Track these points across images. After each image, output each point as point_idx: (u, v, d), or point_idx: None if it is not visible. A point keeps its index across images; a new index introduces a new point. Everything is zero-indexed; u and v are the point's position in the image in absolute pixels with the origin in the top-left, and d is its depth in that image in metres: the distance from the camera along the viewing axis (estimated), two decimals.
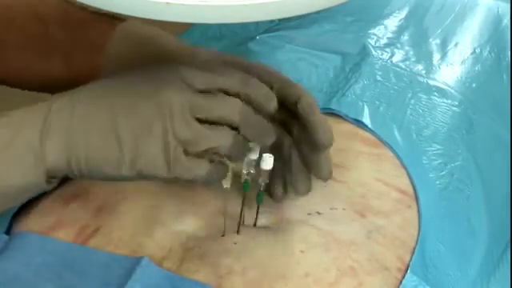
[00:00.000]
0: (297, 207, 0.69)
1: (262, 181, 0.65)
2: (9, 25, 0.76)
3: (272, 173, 0.65)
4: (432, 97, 0.83)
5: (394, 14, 0.95)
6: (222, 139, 0.60)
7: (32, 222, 0.67)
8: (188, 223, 0.68)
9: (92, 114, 0.60)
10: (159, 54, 0.70)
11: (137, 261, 0.63)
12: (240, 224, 0.67)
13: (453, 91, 0.85)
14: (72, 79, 0.75)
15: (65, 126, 0.60)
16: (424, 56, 0.89)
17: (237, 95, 0.61)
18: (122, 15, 0.53)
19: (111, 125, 0.60)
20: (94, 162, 0.60)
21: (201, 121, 0.60)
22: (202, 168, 0.60)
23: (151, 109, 0.59)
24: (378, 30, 0.92)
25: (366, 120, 0.79)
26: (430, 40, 0.92)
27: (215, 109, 0.60)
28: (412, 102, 0.82)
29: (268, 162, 0.64)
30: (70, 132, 0.60)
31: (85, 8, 0.76)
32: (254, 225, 0.68)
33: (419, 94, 0.83)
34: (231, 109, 0.60)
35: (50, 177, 0.62)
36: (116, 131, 0.59)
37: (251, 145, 0.64)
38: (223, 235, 0.66)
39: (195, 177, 0.60)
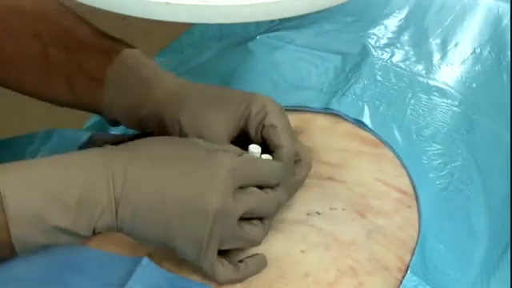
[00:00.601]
0: (296, 207, 0.69)
1: None
2: (7, 40, 0.75)
3: None
4: (432, 97, 0.83)
5: (394, 14, 0.95)
6: (256, 238, 0.63)
7: None
8: None
9: (142, 189, 0.60)
10: (152, 101, 0.70)
11: (137, 261, 0.63)
12: None
13: (453, 91, 0.85)
14: (76, 102, 0.75)
15: (118, 197, 0.60)
16: (424, 56, 0.89)
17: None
18: (124, 15, 0.53)
19: (161, 206, 0.60)
20: (139, 230, 0.61)
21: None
22: (226, 274, 0.62)
23: (198, 211, 0.59)
24: (378, 30, 0.92)
25: (366, 120, 0.79)
26: (430, 40, 0.92)
27: (258, 209, 0.62)
28: (412, 101, 0.82)
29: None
30: (122, 202, 0.60)
31: (83, 21, 0.76)
32: None
33: (419, 94, 0.83)
34: (271, 207, 0.63)
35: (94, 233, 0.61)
36: (164, 211, 0.60)
37: (252, 148, 0.65)
38: None
39: (215, 278, 0.62)
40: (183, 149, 0.62)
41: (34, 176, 0.59)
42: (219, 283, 0.63)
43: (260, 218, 0.63)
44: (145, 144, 0.63)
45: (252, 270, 0.64)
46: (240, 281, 0.63)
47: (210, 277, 0.62)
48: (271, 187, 0.63)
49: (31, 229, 0.58)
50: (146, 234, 0.61)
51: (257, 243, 0.63)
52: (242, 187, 0.62)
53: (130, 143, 0.63)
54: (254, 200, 0.62)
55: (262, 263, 0.64)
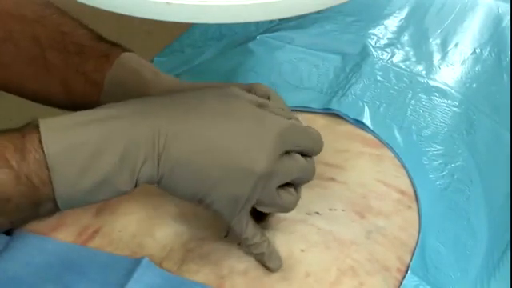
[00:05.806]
0: (296, 207, 0.69)
1: None
2: (7, 44, 0.75)
3: None
4: (432, 97, 0.83)
5: (394, 14, 0.95)
6: (289, 206, 0.63)
7: (33, 223, 0.67)
8: (189, 224, 0.68)
9: (184, 146, 0.59)
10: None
11: (137, 261, 0.63)
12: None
13: (453, 91, 0.85)
14: (72, 104, 0.75)
15: (160, 152, 0.59)
16: (424, 56, 0.89)
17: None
18: (124, 15, 0.53)
19: (203, 161, 0.59)
20: (175, 185, 0.60)
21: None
22: (252, 233, 0.63)
23: (244, 170, 0.59)
24: (378, 30, 0.92)
25: (367, 120, 0.79)
26: (431, 40, 0.92)
27: (299, 177, 0.63)
28: (412, 102, 0.82)
29: None
30: (163, 157, 0.59)
31: (82, 26, 0.76)
32: None
33: (419, 95, 0.83)
34: (310, 175, 0.64)
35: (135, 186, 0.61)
36: (206, 167, 0.59)
37: None
38: (226, 236, 0.66)
39: (242, 236, 0.63)
40: (229, 103, 0.61)
41: (78, 134, 0.58)
42: (243, 242, 0.63)
43: (294, 186, 0.63)
44: (190, 97, 0.62)
45: (273, 247, 0.64)
46: (260, 251, 0.63)
47: (236, 234, 0.63)
48: (309, 156, 0.63)
49: (74, 186, 0.58)
50: (183, 188, 0.60)
51: (289, 210, 0.64)
52: (286, 152, 0.61)
53: (174, 96, 0.62)
54: (296, 167, 0.62)
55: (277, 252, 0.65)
